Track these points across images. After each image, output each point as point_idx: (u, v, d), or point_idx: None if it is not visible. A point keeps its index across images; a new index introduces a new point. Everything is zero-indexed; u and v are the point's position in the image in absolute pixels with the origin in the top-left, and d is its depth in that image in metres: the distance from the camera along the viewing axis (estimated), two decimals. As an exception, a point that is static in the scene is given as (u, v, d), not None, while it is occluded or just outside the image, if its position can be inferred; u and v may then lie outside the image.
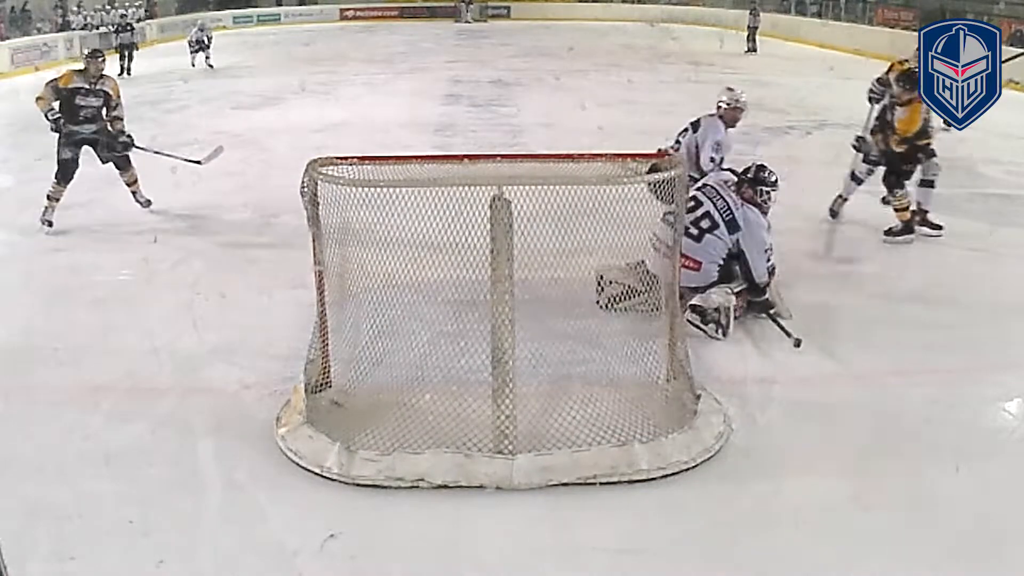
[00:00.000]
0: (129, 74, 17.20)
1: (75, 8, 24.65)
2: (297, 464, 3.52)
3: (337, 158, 3.94)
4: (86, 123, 6.72)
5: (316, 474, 3.45)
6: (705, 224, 4.99)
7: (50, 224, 6.65)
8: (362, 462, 3.44)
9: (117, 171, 7.02)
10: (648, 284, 4.55)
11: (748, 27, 22.07)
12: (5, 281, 5.72)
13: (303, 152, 4.71)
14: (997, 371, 4.45)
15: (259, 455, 3.62)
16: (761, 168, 5.07)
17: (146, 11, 26.86)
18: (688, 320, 4.63)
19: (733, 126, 5.98)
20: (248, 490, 3.42)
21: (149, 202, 7.12)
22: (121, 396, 4.14)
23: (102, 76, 6.75)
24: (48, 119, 6.62)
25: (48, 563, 2.99)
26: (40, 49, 20.40)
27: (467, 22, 32.60)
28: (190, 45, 19.02)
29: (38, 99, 6.61)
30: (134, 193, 7.10)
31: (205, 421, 3.90)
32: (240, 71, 17.38)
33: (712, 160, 5.68)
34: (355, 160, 3.94)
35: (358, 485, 3.38)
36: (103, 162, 6.93)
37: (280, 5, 34.80)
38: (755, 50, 21.61)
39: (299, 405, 3.80)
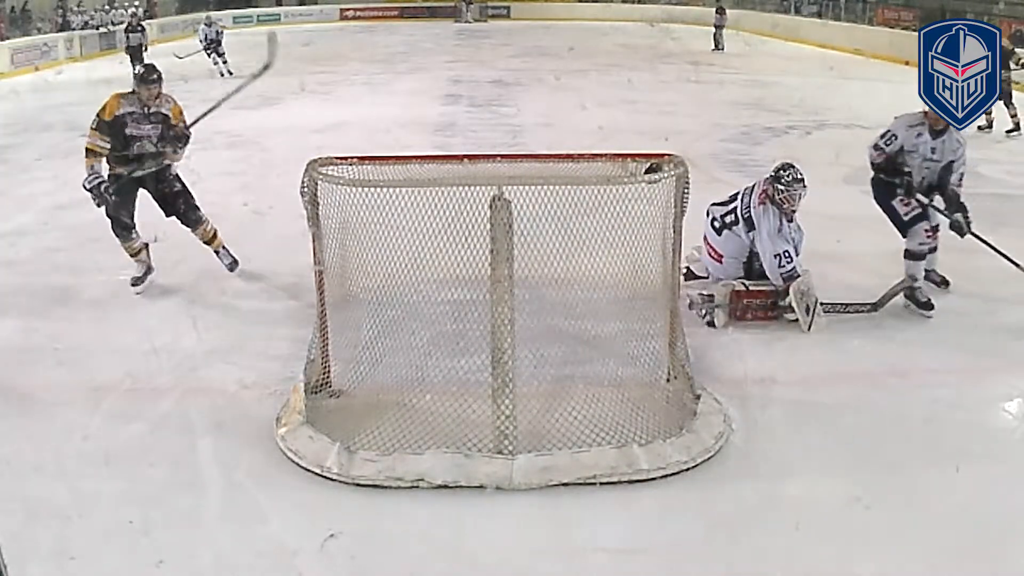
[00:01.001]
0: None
1: (75, 8, 24.65)
2: (297, 464, 3.52)
3: (337, 158, 3.95)
4: (138, 160, 5.22)
5: (316, 474, 3.45)
6: (729, 219, 5.09)
7: (135, 282, 5.40)
8: (362, 462, 3.44)
9: (190, 229, 5.52)
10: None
11: (714, 26, 22.11)
12: (5, 281, 5.72)
13: (303, 152, 4.70)
14: (997, 371, 4.44)
15: (259, 455, 3.62)
16: (784, 167, 4.98)
17: (145, 11, 26.85)
18: (691, 298, 4.90)
19: (938, 130, 4.98)
20: (248, 490, 3.42)
21: (236, 263, 5.63)
22: (121, 396, 4.14)
23: (159, 96, 5.21)
24: (85, 187, 5.11)
25: (48, 563, 2.99)
26: (40, 49, 20.40)
27: (467, 22, 32.59)
28: (202, 44, 17.22)
29: (88, 152, 5.13)
30: (216, 252, 5.61)
31: (205, 421, 3.90)
32: (240, 71, 17.30)
33: (875, 148, 5.10)
34: (355, 160, 3.95)
35: (358, 485, 3.38)
36: (167, 215, 5.44)
37: (280, 5, 34.80)
38: (722, 48, 21.64)
39: (299, 405, 3.80)
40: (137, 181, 5.27)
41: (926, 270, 5.23)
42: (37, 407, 4.07)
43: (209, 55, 17.01)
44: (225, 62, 16.97)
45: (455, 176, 3.82)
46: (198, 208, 5.46)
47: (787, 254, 4.86)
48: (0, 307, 5.25)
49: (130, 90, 5.21)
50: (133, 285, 5.37)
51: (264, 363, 4.44)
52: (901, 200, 5.07)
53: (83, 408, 4.02)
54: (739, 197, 5.12)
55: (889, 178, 5.09)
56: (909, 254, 5.08)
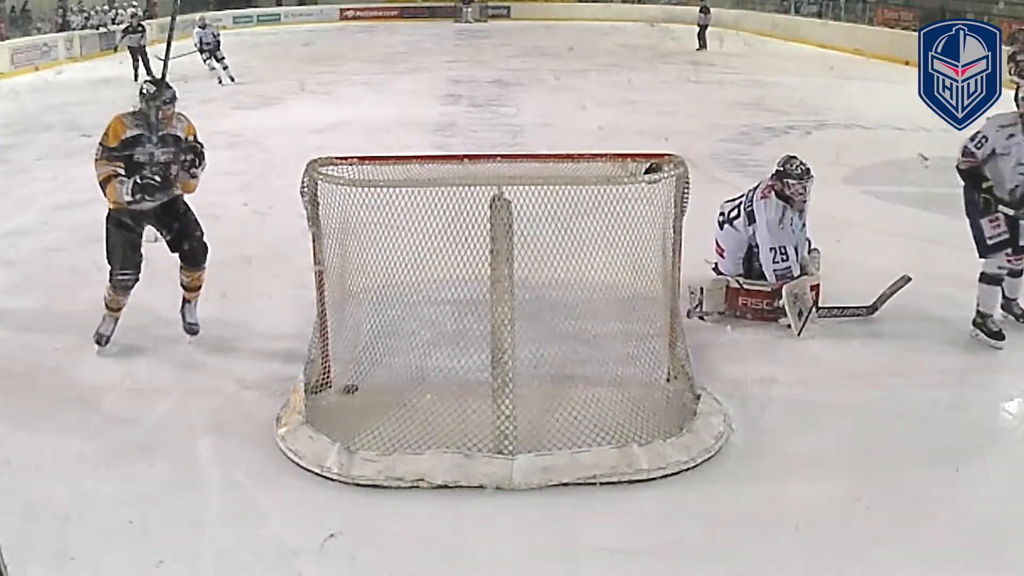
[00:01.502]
0: (150, 75, 16.63)
1: (74, 8, 24.66)
2: (297, 464, 3.52)
3: (337, 158, 3.95)
4: (145, 190, 4.39)
5: (316, 474, 3.45)
6: (733, 214, 5.11)
7: (101, 342, 4.62)
8: (362, 462, 3.44)
9: (182, 264, 4.70)
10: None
11: (698, 25, 22.12)
12: (5, 281, 5.72)
13: (303, 152, 4.71)
14: (997, 371, 4.45)
15: (259, 455, 3.62)
16: (789, 160, 4.98)
17: (145, 11, 26.84)
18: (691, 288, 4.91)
19: None
20: (248, 490, 3.42)
21: (196, 329, 4.77)
22: (121, 396, 4.15)
23: (172, 116, 4.46)
24: (131, 201, 4.35)
25: (48, 563, 2.99)
26: (40, 49, 20.41)
27: (467, 22, 32.60)
28: (196, 48, 15.72)
29: (104, 184, 4.33)
30: (186, 303, 4.77)
31: (205, 421, 3.90)
32: (240, 71, 17.32)
33: (964, 154, 4.63)
34: (355, 160, 3.96)
35: (358, 485, 3.38)
36: (172, 249, 4.68)
37: (280, 5, 34.81)
38: (705, 47, 21.65)
39: (299, 405, 3.81)
40: (146, 218, 4.52)
41: (1007, 298, 4.85)
42: (37, 407, 4.07)
43: (206, 60, 15.60)
44: (225, 67, 15.81)
45: (455, 176, 3.82)
46: (206, 246, 4.67)
47: (783, 250, 4.85)
48: (0, 307, 5.25)
49: (133, 109, 4.43)
50: (98, 343, 4.61)
51: (264, 363, 4.45)
52: (992, 221, 4.55)
53: (83, 408, 4.02)
54: (746, 193, 5.15)
55: (973, 187, 4.62)
56: (985, 277, 4.65)
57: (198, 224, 4.66)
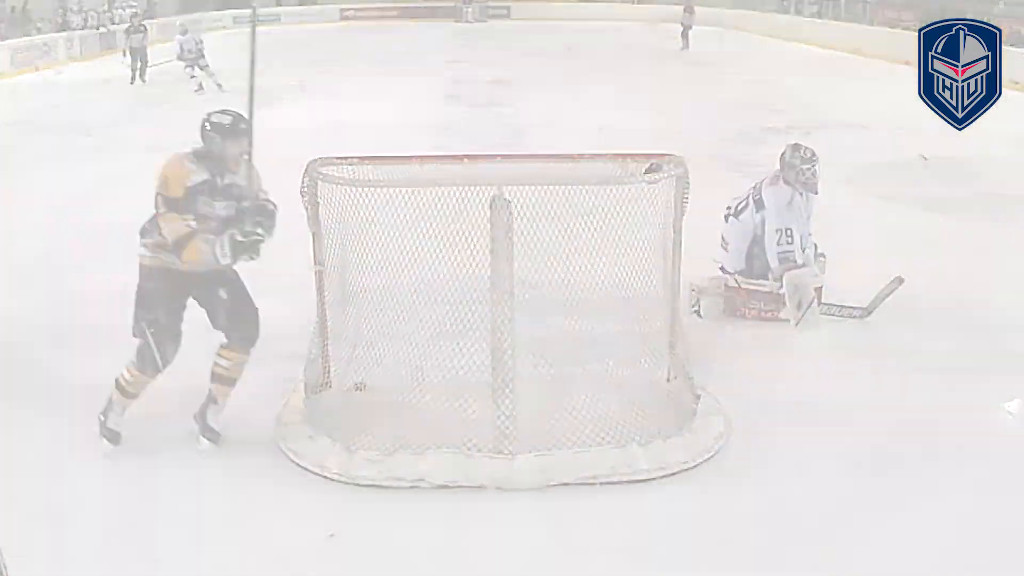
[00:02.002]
0: (144, 80, 16.34)
1: (74, 8, 24.66)
2: (297, 464, 3.52)
3: (337, 158, 3.94)
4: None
5: (316, 474, 3.45)
6: (741, 206, 5.08)
7: (113, 440, 3.72)
8: (362, 462, 3.44)
9: (225, 345, 3.75)
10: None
11: (682, 24, 22.13)
12: (5, 281, 5.72)
13: (303, 152, 4.70)
14: (997, 371, 4.44)
15: (259, 455, 3.62)
16: (795, 148, 4.98)
17: (145, 11, 26.83)
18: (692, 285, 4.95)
19: None
20: (248, 490, 3.43)
21: (217, 439, 3.73)
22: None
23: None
24: (227, 257, 3.51)
25: (48, 563, 2.99)
26: (40, 49, 20.44)
27: (467, 22, 32.61)
28: (177, 55, 15.27)
29: (182, 244, 3.46)
30: (212, 403, 3.75)
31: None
32: (240, 71, 17.23)
33: None
34: (355, 160, 3.95)
35: (358, 485, 3.38)
36: (215, 324, 3.74)
37: (280, 5, 34.80)
38: (688, 47, 21.70)
39: (299, 405, 3.81)
40: (193, 286, 3.66)
41: None
42: (37, 407, 4.07)
43: (186, 68, 14.99)
44: (212, 74, 15.03)
45: (455, 176, 3.82)
46: (258, 328, 3.75)
47: (788, 232, 4.84)
48: (0, 307, 5.25)
49: (192, 149, 3.56)
50: (109, 441, 3.72)
51: (264, 363, 4.42)
52: None
53: (83, 408, 4.01)
54: (755, 185, 5.13)
55: None
56: None
57: (248, 294, 3.78)
